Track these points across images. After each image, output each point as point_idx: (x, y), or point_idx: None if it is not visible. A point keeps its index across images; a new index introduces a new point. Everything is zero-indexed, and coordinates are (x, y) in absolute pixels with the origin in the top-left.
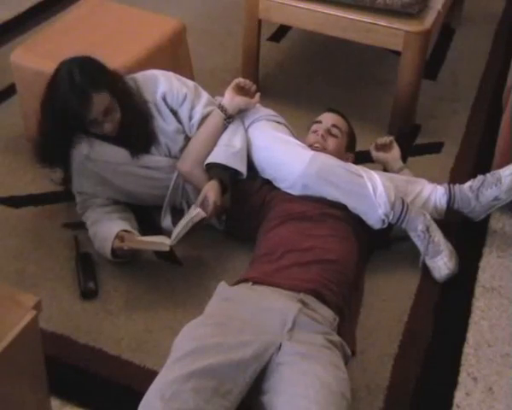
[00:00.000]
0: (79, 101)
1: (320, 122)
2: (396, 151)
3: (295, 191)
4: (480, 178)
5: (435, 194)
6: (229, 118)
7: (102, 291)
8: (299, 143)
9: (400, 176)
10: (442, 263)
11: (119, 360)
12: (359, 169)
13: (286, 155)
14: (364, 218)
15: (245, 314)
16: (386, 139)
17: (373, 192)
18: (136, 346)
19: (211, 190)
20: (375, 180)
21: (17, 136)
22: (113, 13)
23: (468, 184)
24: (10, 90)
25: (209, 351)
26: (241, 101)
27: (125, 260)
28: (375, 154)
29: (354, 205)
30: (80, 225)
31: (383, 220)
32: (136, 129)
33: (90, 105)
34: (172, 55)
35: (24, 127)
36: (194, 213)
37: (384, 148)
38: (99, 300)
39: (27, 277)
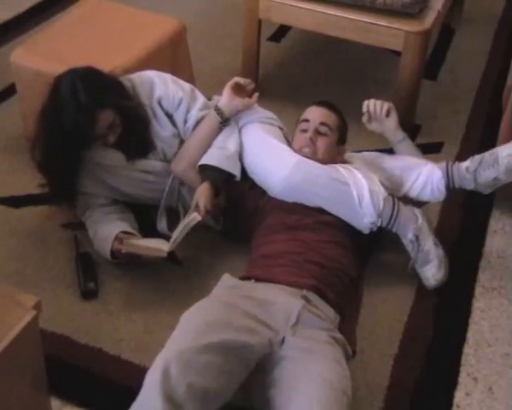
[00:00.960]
0: (86, 120)
1: (307, 121)
2: (393, 120)
3: (280, 198)
4: (477, 158)
5: (432, 180)
6: (225, 121)
7: (102, 291)
8: (285, 148)
9: (394, 162)
10: (430, 274)
11: (119, 360)
12: (345, 175)
13: (270, 161)
14: (353, 224)
15: (249, 307)
16: (382, 110)
17: (358, 202)
18: (136, 346)
19: (201, 196)
20: (361, 188)
21: (17, 136)
22: (113, 13)
23: (465, 164)
24: (10, 90)
25: (220, 326)
26: (239, 103)
27: (124, 261)
28: (368, 126)
29: (339, 213)
30: (80, 225)
31: (371, 228)
32: (135, 136)
33: (96, 123)
34: (172, 55)
35: (24, 127)
36: (190, 217)
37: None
38: (99, 300)
39: (27, 277)
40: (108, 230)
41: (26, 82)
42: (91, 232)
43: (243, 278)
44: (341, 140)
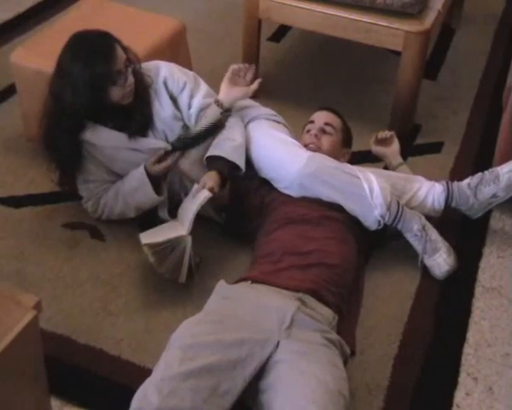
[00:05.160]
0: (105, 53)
1: (313, 122)
2: (395, 146)
3: (292, 192)
4: (478, 175)
5: (433, 192)
6: (226, 111)
7: (102, 291)
8: (297, 143)
9: (398, 173)
10: (442, 260)
11: (119, 360)
12: (356, 170)
13: (284, 154)
14: (361, 219)
15: (243, 312)
16: (387, 133)
17: (369, 193)
18: (136, 346)
19: (209, 180)
20: (371, 181)
21: (17, 136)
22: (113, 13)
23: (466, 181)
24: (10, 90)
25: (207, 349)
26: (237, 93)
27: (162, 180)
28: (374, 147)
29: (351, 206)
30: (80, 225)
31: (379, 221)
32: (141, 103)
33: (114, 53)
34: (172, 55)
35: (24, 127)
36: (202, 196)
37: (384, 142)
38: (99, 300)
39: (27, 277)
40: (132, 175)
41: (26, 82)
42: (111, 196)
43: (240, 280)
44: (346, 143)
